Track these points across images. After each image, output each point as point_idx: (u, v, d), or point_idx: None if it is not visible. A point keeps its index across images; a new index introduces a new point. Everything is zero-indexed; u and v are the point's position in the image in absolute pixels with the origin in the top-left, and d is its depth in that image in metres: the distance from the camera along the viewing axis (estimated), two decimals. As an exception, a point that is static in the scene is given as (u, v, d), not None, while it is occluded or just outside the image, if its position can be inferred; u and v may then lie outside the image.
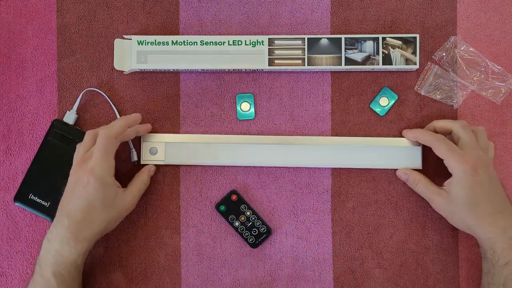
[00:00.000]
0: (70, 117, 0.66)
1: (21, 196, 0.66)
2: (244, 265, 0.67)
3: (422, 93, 0.67)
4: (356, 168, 0.67)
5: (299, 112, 0.68)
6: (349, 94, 0.68)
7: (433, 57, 0.67)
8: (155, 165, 0.67)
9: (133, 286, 0.67)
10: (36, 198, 0.65)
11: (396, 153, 0.66)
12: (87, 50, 0.68)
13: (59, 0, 0.68)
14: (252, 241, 0.66)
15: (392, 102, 0.67)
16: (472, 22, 0.67)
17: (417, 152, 0.66)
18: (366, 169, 0.67)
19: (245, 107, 0.68)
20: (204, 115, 0.68)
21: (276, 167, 0.68)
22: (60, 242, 0.57)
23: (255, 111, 0.68)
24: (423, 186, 0.63)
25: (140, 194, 0.63)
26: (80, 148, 0.61)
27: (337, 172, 0.67)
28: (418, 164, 0.66)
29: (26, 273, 0.68)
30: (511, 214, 0.60)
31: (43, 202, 0.65)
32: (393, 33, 0.66)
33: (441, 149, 0.60)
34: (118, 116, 0.67)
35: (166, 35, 0.67)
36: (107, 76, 0.68)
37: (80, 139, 0.65)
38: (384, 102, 0.67)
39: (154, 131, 0.68)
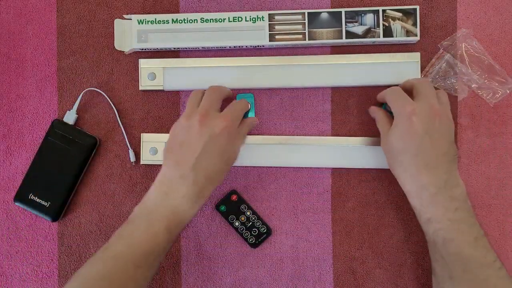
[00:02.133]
0: (70, 117, 0.66)
1: (21, 196, 0.66)
2: (244, 265, 0.67)
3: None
4: (356, 168, 0.67)
5: (299, 112, 0.68)
6: (349, 94, 0.68)
7: (438, 45, 0.67)
8: (155, 164, 0.67)
9: (133, 286, 0.67)
10: (36, 198, 0.65)
11: (396, 153, 0.66)
12: (87, 50, 0.68)
13: (59, 0, 0.68)
14: (252, 241, 0.66)
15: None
16: (472, 22, 0.67)
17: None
18: (366, 169, 0.67)
19: None
20: (204, 115, 0.68)
21: (276, 167, 0.68)
22: (182, 198, 0.55)
23: (255, 111, 0.68)
24: (379, 124, 0.62)
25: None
26: (197, 99, 0.59)
27: (337, 172, 0.67)
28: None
29: (26, 273, 0.68)
30: (443, 171, 0.55)
31: (43, 202, 0.65)
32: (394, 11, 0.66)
33: (389, 96, 0.59)
34: (117, 116, 0.67)
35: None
36: (107, 76, 0.68)
37: (80, 139, 0.65)
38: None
39: (154, 131, 0.68)
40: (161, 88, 0.66)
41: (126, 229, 0.55)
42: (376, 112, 0.63)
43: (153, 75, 0.66)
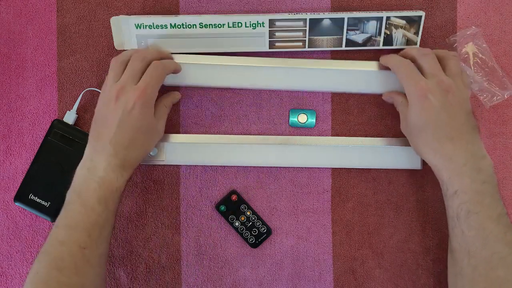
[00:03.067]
0: (70, 117, 0.66)
1: (21, 196, 0.66)
2: (244, 265, 0.67)
3: None
4: (356, 168, 0.67)
5: (299, 112, 0.68)
6: (349, 94, 0.68)
7: (446, 40, 0.66)
8: (155, 164, 0.67)
9: (134, 286, 0.67)
10: (36, 198, 0.65)
11: (396, 153, 0.66)
12: (87, 50, 0.68)
13: (59, 0, 0.68)
14: (252, 241, 0.67)
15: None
16: (472, 22, 0.67)
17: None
18: (366, 169, 0.67)
19: (302, 119, 0.67)
20: (204, 115, 0.68)
21: (276, 167, 0.68)
22: (105, 170, 0.56)
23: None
24: (399, 108, 0.62)
25: (165, 119, 0.63)
26: (121, 68, 0.59)
27: (337, 172, 0.67)
28: (418, 165, 0.66)
29: (26, 273, 0.68)
30: (466, 142, 0.56)
31: (43, 202, 0.65)
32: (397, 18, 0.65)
33: (400, 73, 0.59)
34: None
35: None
36: (107, 76, 0.68)
37: (80, 139, 0.65)
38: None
39: (154, 131, 0.68)
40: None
41: (61, 215, 0.56)
42: (393, 97, 0.63)
43: None
